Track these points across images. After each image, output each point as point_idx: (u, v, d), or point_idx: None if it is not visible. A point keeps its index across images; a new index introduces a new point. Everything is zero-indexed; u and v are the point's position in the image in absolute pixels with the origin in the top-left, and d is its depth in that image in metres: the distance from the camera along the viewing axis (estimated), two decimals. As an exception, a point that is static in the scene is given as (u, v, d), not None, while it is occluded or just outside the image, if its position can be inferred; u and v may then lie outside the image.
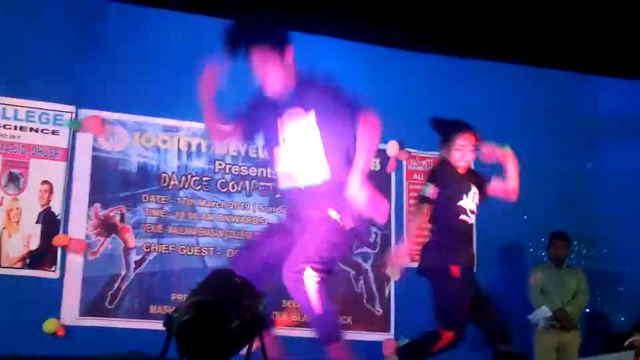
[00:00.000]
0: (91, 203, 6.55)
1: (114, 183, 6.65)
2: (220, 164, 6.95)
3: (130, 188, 6.68)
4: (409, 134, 7.40)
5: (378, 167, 7.34)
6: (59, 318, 6.26)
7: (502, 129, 7.63)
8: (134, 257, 6.59)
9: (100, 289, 6.45)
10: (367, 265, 7.14)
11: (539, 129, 7.75)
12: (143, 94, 6.74)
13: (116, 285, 6.50)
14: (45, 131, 6.52)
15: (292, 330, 6.78)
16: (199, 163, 6.91)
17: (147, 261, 6.61)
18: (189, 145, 6.91)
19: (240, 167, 7.01)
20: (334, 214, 3.62)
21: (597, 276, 7.48)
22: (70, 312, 6.33)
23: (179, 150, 6.87)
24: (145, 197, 6.70)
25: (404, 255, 4.94)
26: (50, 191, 6.45)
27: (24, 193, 6.40)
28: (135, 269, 6.57)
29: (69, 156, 6.55)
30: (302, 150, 3.76)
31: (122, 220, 6.62)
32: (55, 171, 6.49)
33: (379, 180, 7.28)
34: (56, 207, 6.45)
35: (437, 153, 7.50)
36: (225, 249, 6.79)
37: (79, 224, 6.49)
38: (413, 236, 5.10)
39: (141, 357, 2.42)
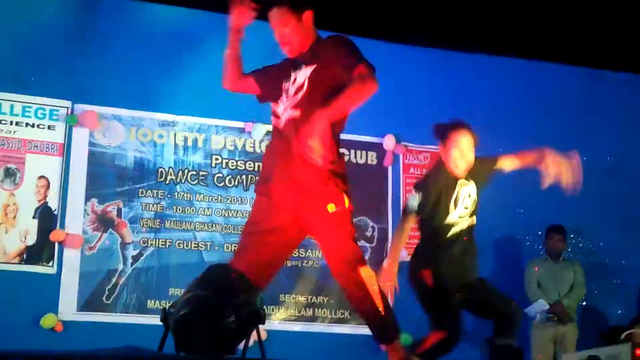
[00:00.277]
0: (88, 198, 6.55)
1: (110, 178, 6.64)
2: (217, 159, 6.95)
3: (127, 183, 6.68)
4: (405, 128, 7.41)
5: (375, 161, 7.35)
6: (56, 313, 6.26)
7: (496, 121, 7.67)
8: (131, 252, 6.59)
9: (97, 284, 6.46)
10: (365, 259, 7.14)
11: (533, 121, 7.76)
12: (139, 88, 6.74)
13: (114, 280, 6.50)
14: (41, 126, 6.52)
15: (289, 325, 6.80)
16: (195, 158, 6.90)
17: (144, 256, 6.61)
18: (186, 140, 6.90)
19: (237, 161, 7.00)
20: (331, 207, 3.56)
21: (594, 269, 7.49)
22: (68, 307, 6.33)
23: (175, 144, 6.87)
24: (142, 192, 6.70)
25: (389, 277, 4.67)
26: (47, 186, 6.45)
27: (21, 188, 6.40)
28: (132, 263, 6.57)
29: (66, 151, 6.54)
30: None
31: (119, 215, 6.62)
32: (51, 166, 6.48)
33: (375, 174, 7.30)
34: (53, 202, 6.45)
35: (433, 147, 7.55)
36: (223, 243, 6.80)
37: (76, 219, 6.49)
38: (397, 255, 4.69)
39: (138, 352, 2.42)
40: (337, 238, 3.57)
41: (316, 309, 6.92)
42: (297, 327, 6.78)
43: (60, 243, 6.40)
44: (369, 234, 7.18)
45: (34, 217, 6.40)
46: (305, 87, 3.64)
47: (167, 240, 6.68)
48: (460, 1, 7.21)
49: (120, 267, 6.54)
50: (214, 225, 6.82)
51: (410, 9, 7.23)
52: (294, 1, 3.70)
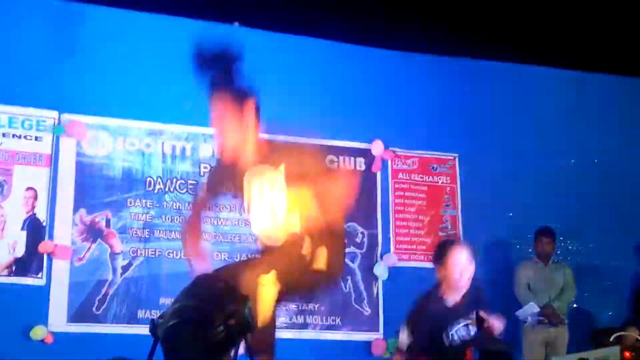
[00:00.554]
0: (76, 208, 6.52)
1: (98, 188, 6.62)
2: (205, 167, 6.93)
3: (115, 193, 6.66)
4: (394, 133, 7.43)
5: (363, 167, 7.35)
6: (46, 325, 6.23)
7: (488, 126, 7.71)
8: (121, 262, 6.57)
9: (87, 295, 6.43)
10: (355, 266, 7.15)
11: (523, 125, 7.79)
12: (126, 98, 6.73)
13: (103, 290, 6.47)
14: (28, 137, 6.49)
15: (280, 332, 6.79)
16: (184, 166, 6.89)
17: (133, 266, 6.59)
18: (174, 149, 6.89)
19: (225, 169, 6.99)
20: None
21: (584, 271, 7.51)
22: (58, 318, 6.30)
23: (163, 153, 6.85)
24: (130, 201, 6.68)
25: None
26: (35, 197, 6.42)
27: (9, 200, 6.37)
28: (122, 274, 6.55)
29: (53, 162, 6.52)
30: (273, 207, 3.50)
31: (107, 225, 6.59)
32: (39, 177, 6.46)
33: (364, 179, 7.31)
34: (41, 213, 6.43)
35: (422, 152, 7.58)
36: (212, 252, 6.77)
37: (65, 230, 6.46)
38: None
39: (127, 363, 2.41)
40: None
41: (307, 316, 6.91)
42: (289, 334, 6.76)
43: (49, 254, 6.37)
44: (358, 240, 7.18)
45: (22, 229, 6.37)
46: None
47: (157, 250, 6.66)
48: (449, 7, 7.23)
49: (110, 277, 6.51)
50: (203, 233, 6.78)
51: (398, 15, 7.25)
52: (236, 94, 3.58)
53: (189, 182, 6.85)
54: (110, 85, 6.68)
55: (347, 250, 7.08)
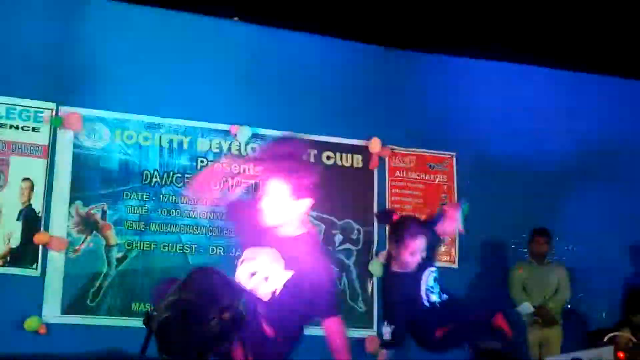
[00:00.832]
0: (72, 200, 6.51)
1: (95, 180, 6.61)
2: (202, 161, 6.93)
3: (112, 185, 6.65)
4: (391, 131, 7.42)
5: (361, 164, 7.35)
6: (40, 316, 6.22)
7: (485, 127, 7.71)
8: (116, 254, 6.56)
9: (81, 287, 6.42)
10: (350, 262, 7.15)
11: (518, 123, 7.80)
12: (124, 90, 6.72)
13: (98, 282, 6.47)
14: (25, 128, 6.48)
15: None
16: (181, 160, 6.88)
17: (128, 258, 6.59)
18: (171, 142, 6.88)
19: (222, 164, 6.98)
20: None
21: (578, 272, 7.52)
22: (52, 310, 6.29)
23: (160, 147, 6.84)
24: (126, 194, 6.67)
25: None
26: (31, 188, 6.41)
27: (4, 190, 6.36)
28: (117, 266, 6.54)
29: (50, 153, 6.51)
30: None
31: (103, 217, 6.59)
32: (35, 168, 6.45)
33: (361, 177, 7.31)
34: (37, 204, 6.42)
35: (419, 150, 7.58)
36: (208, 246, 6.78)
37: (60, 222, 6.45)
38: None
39: (121, 355, 2.41)
40: None
41: (301, 312, 6.90)
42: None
43: (44, 245, 6.36)
44: (354, 236, 7.19)
45: (17, 219, 6.36)
46: None
47: (152, 243, 6.66)
48: (449, 5, 7.22)
49: (105, 269, 6.51)
50: (199, 227, 6.80)
51: (396, 12, 7.25)
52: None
53: (186, 175, 6.84)
54: (109, 78, 6.67)
55: (342, 246, 7.11)
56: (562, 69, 8.00)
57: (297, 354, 3.76)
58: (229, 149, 7.03)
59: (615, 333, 5.69)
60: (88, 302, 6.41)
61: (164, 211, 6.74)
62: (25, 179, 6.42)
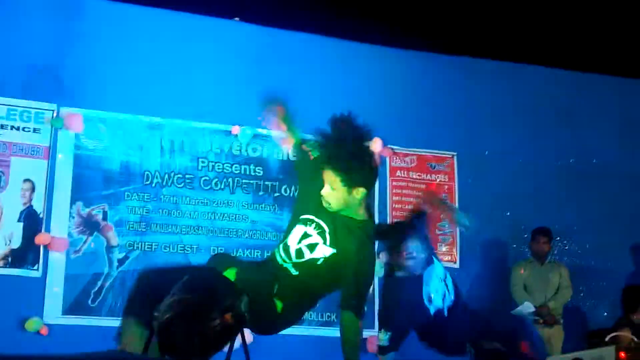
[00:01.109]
0: (73, 201, 6.52)
1: (96, 181, 6.61)
2: (203, 162, 6.93)
3: (113, 186, 6.65)
4: (392, 131, 7.42)
5: (361, 164, 7.33)
6: (41, 317, 6.23)
7: (486, 126, 7.71)
8: (117, 255, 6.56)
9: (83, 288, 6.43)
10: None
11: (519, 124, 7.80)
12: (125, 91, 6.72)
13: (99, 283, 6.47)
14: (26, 129, 6.49)
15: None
16: (182, 161, 6.88)
17: (130, 259, 6.59)
18: (172, 143, 6.88)
19: (223, 164, 6.99)
20: None
21: (579, 272, 7.52)
22: (53, 310, 6.30)
23: (161, 147, 6.84)
24: (127, 195, 6.68)
25: None
26: (32, 189, 6.42)
27: (6, 191, 6.36)
28: (118, 267, 6.55)
29: (51, 154, 6.51)
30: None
31: (104, 218, 6.59)
32: (37, 169, 6.45)
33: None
34: (38, 205, 6.42)
35: (420, 150, 7.58)
36: (209, 246, 6.78)
37: (61, 222, 6.45)
38: None
39: (123, 355, 2.41)
40: None
41: (303, 312, 6.90)
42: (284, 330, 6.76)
43: (45, 246, 6.36)
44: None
45: (19, 220, 6.37)
46: None
47: (153, 244, 6.66)
48: (448, 5, 7.23)
49: (106, 270, 6.51)
50: (199, 228, 6.80)
51: (399, 13, 7.26)
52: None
53: (187, 176, 6.84)
54: (110, 79, 6.68)
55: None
56: (566, 68, 7.99)
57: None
58: (230, 149, 7.03)
59: (617, 333, 5.69)
60: (89, 302, 6.42)
61: (165, 212, 6.74)
62: (26, 180, 6.42)
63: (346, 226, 3.53)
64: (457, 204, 7.57)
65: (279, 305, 3.38)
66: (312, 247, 3.48)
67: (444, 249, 7.42)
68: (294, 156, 4.07)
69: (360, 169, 3.47)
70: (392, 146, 7.47)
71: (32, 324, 6.14)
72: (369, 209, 3.72)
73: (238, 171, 7.01)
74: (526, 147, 7.75)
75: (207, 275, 2.53)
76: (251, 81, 7.07)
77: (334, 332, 6.88)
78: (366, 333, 7.00)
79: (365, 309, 3.67)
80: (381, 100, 7.44)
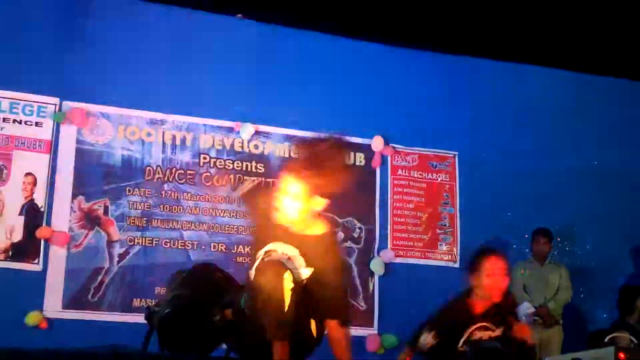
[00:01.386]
0: (74, 195, 6.52)
1: (97, 176, 6.62)
2: (205, 158, 6.93)
3: (114, 181, 6.65)
4: (394, 130, 7.42)
5: (363, 163, 7.34)
6: (41, 310, 6.23)
7: (488, 125, 7.70)
8: (118, 250, 6.56)
9: (83, 282, 6.43)
10: (351, 261, 7.15)
11: (520, 124, 7.79)
12: (128, 86, 6.73)
13: (99, 278, 6.47)
14: (29, 123, 6.49)
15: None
16: (183, 156, 6.89)
17: (130, 254, 6.59)
18: (174, 139, 6.89)
19: (225, 160, 6.99)
20: None
21: (579, 273, 7.51)
22: (53, 304, 6.30)
23: (163, 143, 6.84)
24: (129, 190, 6.68)
25: None
26: (34, 183, 6.42)
27: (7, 185, 6.37)
28: (118, 262, 6.55)
29: (53, 148, 6.52)
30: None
31: (105, 213, 6.59)
32: (38, 163, 6.45)
33: (364, 175, 7.30)
34: (39, 199, 6.42)
35: (422, 149, 7.58)
36: (210, 242, 6.78)
37: (62, 217, 6.46)
38: None
39: (123, 350, 2.41)
40: None
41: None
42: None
43: (46, 240, 6.37)
44: (355, 234, 7.18)
45: (20, 214, 6.37)
46: None
47: (154, 239, 6.67)
48: (452, 5, 7.22)
49: (106, 265, 6.52)
50: (200, 224, 6.80)
51: (402, 12, 7.25)
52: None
53: (188, 172, 6.85)
54: (112, 74, 6.68)
55: (344, 245, 7.10)
56: (566, 69, 7.98)
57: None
58: (232, 145, 7.03)
59: (616, 334, 5.69)
60: (89, 297, 6.42)
61: (166, 207, 6.75)
62: (28, 174, 6.42)
63: (307, 245, 3.47)
64: (457, 204, 7.57)
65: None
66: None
67: (444, 248, 7.43)
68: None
69: (329, 175, 3.47)
70: (394, 145, 7.47)
71: (32, 318, 6.15)
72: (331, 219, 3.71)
73: (239, 167, 7.01)
74: (527, 147, 7.75)
75: (207, 271, 2.53)
76: (253, 78, 7.08)
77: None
78: (365, 332, 7.02)
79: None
80: (383, 99, 7.44)
